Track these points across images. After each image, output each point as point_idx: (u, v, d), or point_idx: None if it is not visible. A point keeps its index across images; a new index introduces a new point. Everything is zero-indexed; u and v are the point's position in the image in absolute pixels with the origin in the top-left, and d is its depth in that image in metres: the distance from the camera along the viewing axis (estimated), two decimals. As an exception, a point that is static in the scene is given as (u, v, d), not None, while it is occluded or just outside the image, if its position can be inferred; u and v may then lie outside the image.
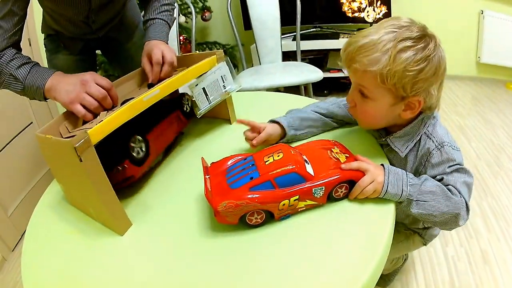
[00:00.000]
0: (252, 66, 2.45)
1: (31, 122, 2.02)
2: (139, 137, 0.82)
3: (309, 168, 0.67)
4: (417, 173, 0.77)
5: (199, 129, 1.07)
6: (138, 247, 0.70)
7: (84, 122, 0.84)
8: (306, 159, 0.70)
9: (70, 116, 0.85)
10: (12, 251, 1.83)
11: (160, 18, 1.11)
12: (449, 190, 0.70)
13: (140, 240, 0.71)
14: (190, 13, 2.11)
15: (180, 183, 0.86)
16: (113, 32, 1.26)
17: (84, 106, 0.82)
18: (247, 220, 0.65)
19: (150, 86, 0.96)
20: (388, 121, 0.79)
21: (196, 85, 0.93)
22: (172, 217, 0.76)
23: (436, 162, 0.73)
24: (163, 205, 0.80)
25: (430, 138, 0.76)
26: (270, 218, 0.67)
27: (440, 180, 0.72)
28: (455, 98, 2.59)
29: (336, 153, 0.74)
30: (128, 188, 0.84)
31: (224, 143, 0.98)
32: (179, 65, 1.03)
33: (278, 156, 0.68)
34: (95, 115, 0.85)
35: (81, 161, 0.64)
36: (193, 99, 0.94)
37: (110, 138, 0.72)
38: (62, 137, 0.79)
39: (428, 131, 0.77)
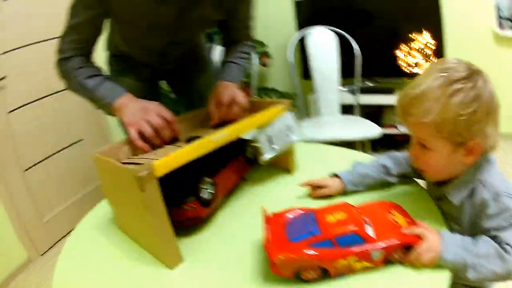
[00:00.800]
0: (309, 116, 2.44)
1: (81, 139, 2.09)
2: (208, 179, 0.83)
3: (370, 230, 0.66)
4: (474, 224, 0.74)
5: (259, 175, 1.07)
6: (186, 284, 0.69)
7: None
8: (367, 220, 0.69)
9: (131, 142, 0.86)
10: (41, 255, 1.87)
11: (236, 62, 1.13)
12: (504, 248, 0.65)
13: (189, 278, 0.71)
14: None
15: (237, 227, 0.85)
16: (184, 66, 1.28)
17: (140, 134, 0.84)
18: (301, 276, 0.64)
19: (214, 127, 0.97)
20: (452, 170, 0.76)
21: (262, 132, 0.93)
22: (224, 260, 0.75)
23: (492, 214, 0.69)
24: (218, 247, 0.79)
25: (485, 187, 0.72)
26: (325, 275, 0.65)
27: (495, 236, 0.68)
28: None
29: (396, 216, 0.72)
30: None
31: (283, 193, 0.97)
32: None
33: (340, 215, 0.67)
34: (152, 147, 0.86)
35: (143, 191, 0.65)
36: (257, 145, 0.94)
37: (179, 175, 0.73)
38: (121, 162, 0.81)
39: (482, 177, 0.73)
